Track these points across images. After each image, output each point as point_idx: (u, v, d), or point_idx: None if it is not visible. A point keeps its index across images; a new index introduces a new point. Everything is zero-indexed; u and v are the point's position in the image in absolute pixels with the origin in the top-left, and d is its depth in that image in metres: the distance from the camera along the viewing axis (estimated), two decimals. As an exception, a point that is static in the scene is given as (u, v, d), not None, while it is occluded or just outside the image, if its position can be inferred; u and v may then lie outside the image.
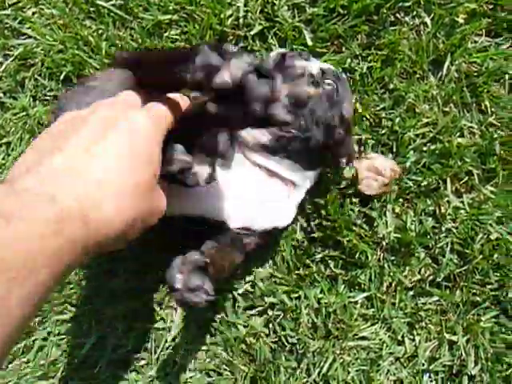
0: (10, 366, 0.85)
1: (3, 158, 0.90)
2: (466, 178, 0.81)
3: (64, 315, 0.85)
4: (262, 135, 0.61)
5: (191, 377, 0.83)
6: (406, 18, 0.85)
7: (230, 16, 0.84)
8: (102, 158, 0.38)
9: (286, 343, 0.81)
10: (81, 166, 0.37)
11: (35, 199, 0.33)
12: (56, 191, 0.34)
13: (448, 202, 0.81)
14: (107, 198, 0.37)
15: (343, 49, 0.85)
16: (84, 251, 0.35)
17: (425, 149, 0.82)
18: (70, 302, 0.85)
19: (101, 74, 0.76)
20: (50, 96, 0.89)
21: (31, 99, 0.90)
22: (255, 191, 0.66)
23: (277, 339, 0.82)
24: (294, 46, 0.83)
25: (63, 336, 0.85)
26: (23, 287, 0.29)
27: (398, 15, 0.84)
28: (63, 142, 0.39)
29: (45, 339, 0.86)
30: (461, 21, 0.83)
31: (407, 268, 0.81)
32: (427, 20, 0.84)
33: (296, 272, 0.81)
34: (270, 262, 0.83)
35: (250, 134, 0.62)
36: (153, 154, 0.43)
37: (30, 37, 0.90)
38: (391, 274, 0.81)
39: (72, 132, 0.40)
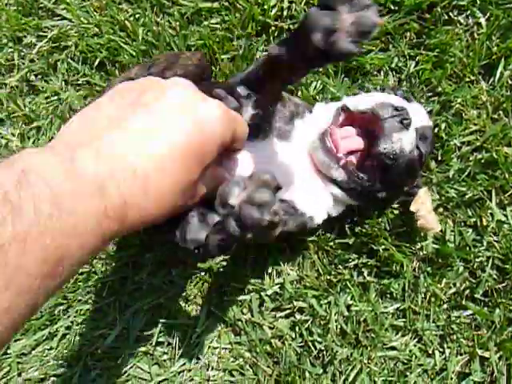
0: (33, 351, 0.85)
1: (33, 142, 0.88)
2: (512, 191, 0.78)
3: (88, 305, 0.85)
4: (337, 172, 0.63)
5: (214, 375, 0.82)
6: (460, 18, 0.80)
7: (274, 6, 0.81)
8: (158, 150, 0.37)
9: (312, 348, 0.79)
10: (133, 153, 0.36)
11: (88, 190, 0.33)
12: (106, 180, 0.34)
13: (491, 214, 0.78)
14: (149, 198, 0.37)
15: (390, 46, 0.81)
16: (114, 238, 0.37)
17: (470, 157, 0.78)
18: (95, 292, 0.85)
19: (138, 66, 0.74)
20: (82, 81, 0.87)
21: (63, 83, 0.88)
22: (302, 175, 0.66)
23: (303, 344, 0.80)
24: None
25: (86, 326, 0.85)
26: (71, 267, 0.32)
27: (451, 14, 0.80)
28: (123, 122, 0.38)
29: (68, 328, 0.85)
30: (518, 23, 0.78)
31: (443, 280, 0.78)
32: (482, 20, 0.79)
33: (327, 277, 0.79)
34: (301, 265, 0.81)
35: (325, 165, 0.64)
36: (210, 153, 0.41)
37: (64, 18, 0.87)
38: (426, 285, 0.78)
39: (132, 113, 0.38)
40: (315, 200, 0.67)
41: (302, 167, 0.66)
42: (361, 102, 0.64)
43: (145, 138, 0.37)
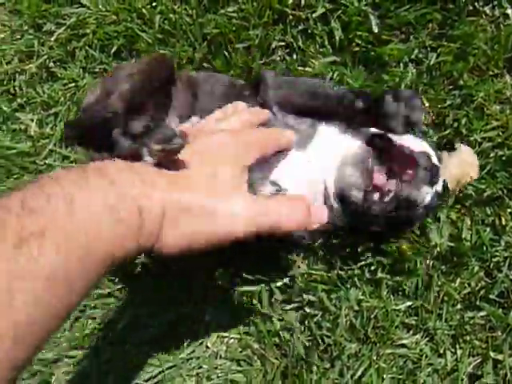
0: (47, 333, 0.87)
1: (51, 128, 0.90)
2: (533, 190, 0.75)
3: (101, 290, 0.86)
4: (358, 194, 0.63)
5: (221, 364, 0.83)
6: (486, 8, 0.77)
7: (292, -5, 0.79)
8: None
9: (321, 342, 0.79)
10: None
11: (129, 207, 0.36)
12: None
13: (510, 213, 0.75)
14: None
15: (411, 37, 0.78)
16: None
17: (491, 154, 0.76)
18: (109, 278, 0.86)
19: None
20: (100, 68, 0.88)
21: (81, 70, 0.89)
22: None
23: (312, 337, 0.79)
24: (358, 33, 0.77)
25: (99, 310, 0.86)
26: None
27: (476, 4, 0.77)
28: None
29: (82, 311, 0.87)
30: (548, 14, 0.75)
31: (458, 280, 0.76)
32: (509, 11, 0.76)
33: (338, 272, 0.78)
34: (312, 258, 0.80)
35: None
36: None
37: (83, 6, 0.88)
38: (440, 284, 0.76)
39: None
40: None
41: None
42: (410, 142, 0.64)
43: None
